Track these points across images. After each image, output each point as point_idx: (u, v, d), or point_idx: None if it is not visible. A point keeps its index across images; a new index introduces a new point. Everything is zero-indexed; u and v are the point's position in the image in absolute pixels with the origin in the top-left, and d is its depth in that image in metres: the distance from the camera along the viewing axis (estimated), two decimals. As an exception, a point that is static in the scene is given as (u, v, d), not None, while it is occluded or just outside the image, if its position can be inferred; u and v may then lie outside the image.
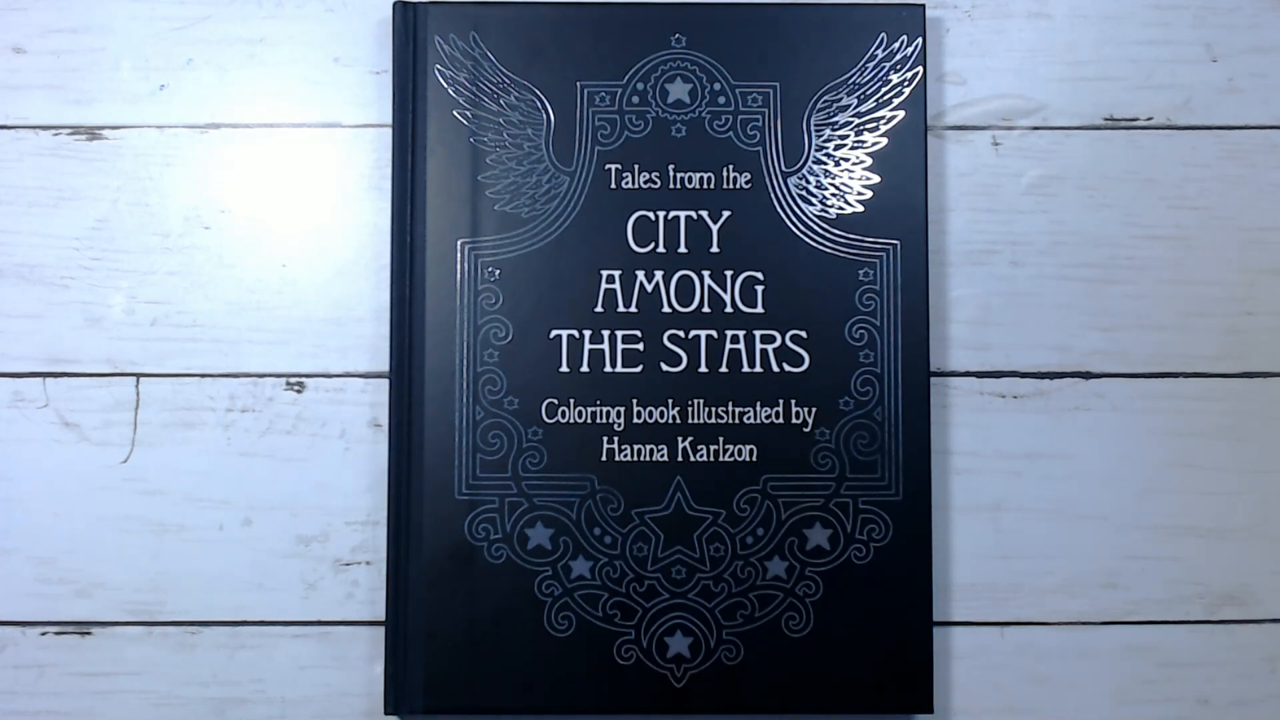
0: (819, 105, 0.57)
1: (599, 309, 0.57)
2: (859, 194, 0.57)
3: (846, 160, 0.57)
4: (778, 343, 0.56)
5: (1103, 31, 0.59)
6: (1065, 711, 0.57)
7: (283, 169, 0.59)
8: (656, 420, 0.56)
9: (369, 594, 0.57)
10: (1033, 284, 0.58)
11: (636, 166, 0.57)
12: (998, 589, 0.58)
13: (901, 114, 0.57)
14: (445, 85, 0.57)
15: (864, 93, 0.57)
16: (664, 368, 0.56)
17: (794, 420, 0.56)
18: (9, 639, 0.57)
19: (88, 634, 0.57)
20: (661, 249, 0.57)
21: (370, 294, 0.58)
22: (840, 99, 0.57)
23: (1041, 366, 0.58)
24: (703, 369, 0.56)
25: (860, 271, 0.57)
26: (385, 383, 0.58)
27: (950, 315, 0.58)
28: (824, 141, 0.57)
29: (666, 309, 0.57)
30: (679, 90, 0.57)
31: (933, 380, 0.58)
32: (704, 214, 0.57)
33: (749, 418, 0.56)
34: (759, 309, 0.57)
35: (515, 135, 0.57)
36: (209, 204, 0.58)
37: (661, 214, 0.57)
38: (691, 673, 0.55)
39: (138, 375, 0.58)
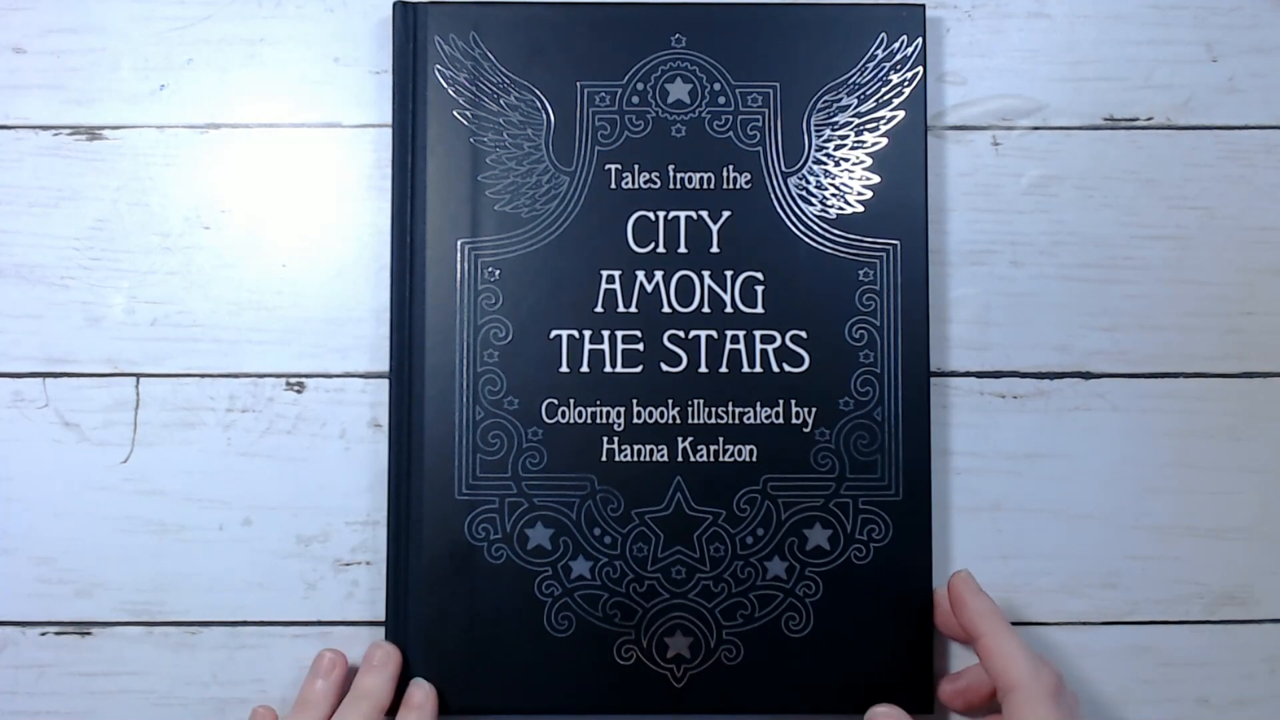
0: (819, 105, 0.57)
1: (599, 309, 0.57)
2: (859, 194, 0.57)
3: (846, 160, 0.57)
4: (778, 343, 0.56)
5: (1103, 31, 0.59)
6: (1065, 711, 0.57)
7: (283, 169, 0.59)
8: (656, 420, 0.56)
9: (369, 594, 0.57)
10: (1033, 284, 0.58)
11: (636, 166, 0.57)
12: (998, 589, 0.57)
13: (901, 114, 0.57)
14: (445, 85, 0.57)
15: (864, 93, 0.57)
16: (664, 368, 0.56)
17: (794, 420, 0.56)
18: (9, 639, 0.57)
19: (88, 634, 0.57)
20: (661, 249, 0.57)
21: (370, 294, 0.58)
22: (840, 99, 0.57)
23: (1041, 366, 0.58)
24: (703, 369, 0.56)
25: (860, 271, 0.57)
26: (385, 383, 0.58)
27: (950, 315, 0.58)
28: (824, 141, 0.57)
29: (666, 309, 0.57)
30: (679, 90, 0.57)
31: (933, 380, 0.58)
32: (704, 214, 0.57)
33: (749, 418, 0.56)
34: (759, 309, 0.57)
35: (515, 135, 0.57)
36: (209, 204, 0.58)
37: (661, 214, 0.57)
38: (691, 673, 0.56)
39: (138, 375, 0.58)
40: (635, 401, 0.56)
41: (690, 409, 0.56)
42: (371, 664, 0.54)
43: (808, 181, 0.57)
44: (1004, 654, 0.51)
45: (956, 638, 0.55)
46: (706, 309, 0.57)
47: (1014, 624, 0.57)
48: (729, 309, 0.57)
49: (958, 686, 0.55)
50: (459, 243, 0.56)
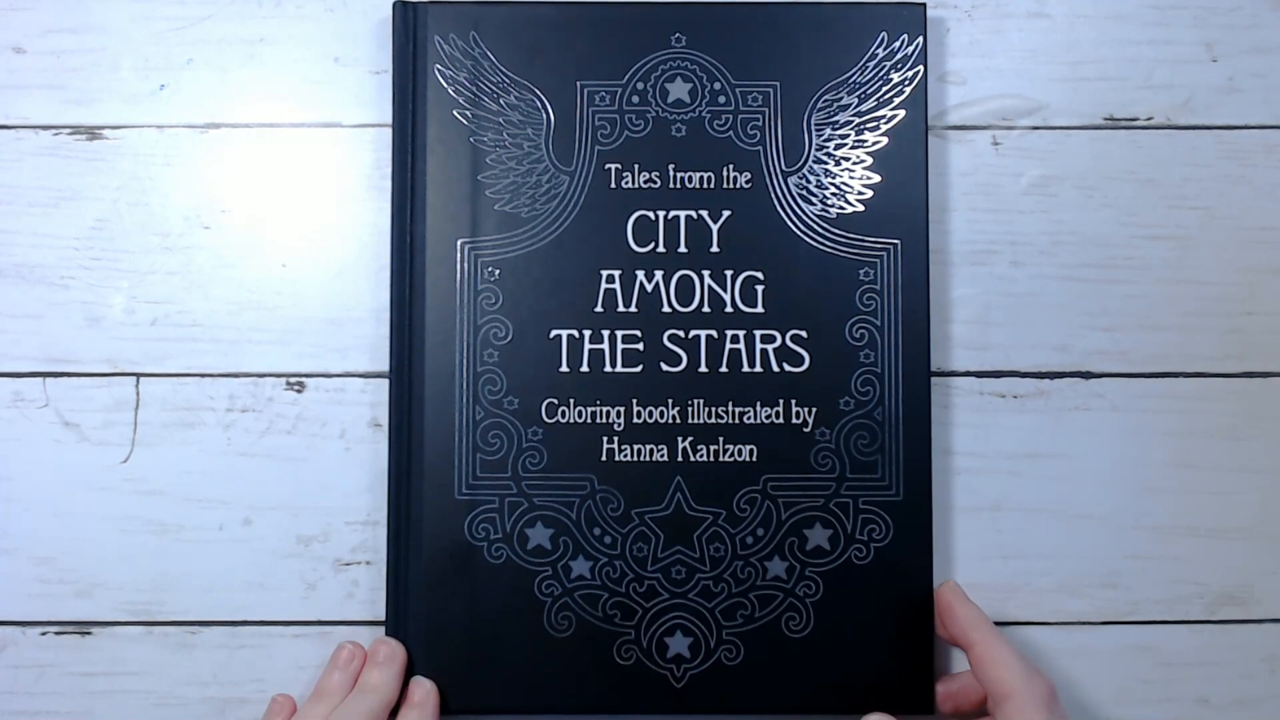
0: (819, 105, 0.57)
1: (599, 309, 0.56)
2: (859, 194, 0.57)
3: (847, 160, 0.57)
4: (778, 343, 0.56)
5: (1103, 31, 0.59)
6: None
7: (283, 169, 0.59)
8: (656, 420, 0.56)
9: (369, 594, 0.57)
10: (1033, 284, 0.58)
11: (636, 166, 0.57)
12: (998, 589, 0.58)
13: (902, 113, 0.57)
14: (445, 85, 0.57)
15: (864, 92, 0.57)
16: (664, 368, 0.56)
17: (794, 420, 0.56)
18: (9, 639, 0.57)
19: (88, 634, 0.57)
20: (661, 249, 0.57)
21: (370, 294, 0.58)
22: (841, 98, 0.57)
23: (1041, 366, 0.58)
24: (703, 369, 0.56)
25: (860, 271, 0.57)
26: (385, 383, 0.58)
27: (950, 315, 0.58)
28: (824, 141, 0.57)
29: (666, 309, 0.57)
30: (679, 90, 0.57)
31: (933, 380, 0.58)
32: (704, 214, 0.57)
33: (749, 418, 0.56)
34: (759, 309, 0.57)
35: (515, 135, 0.57)
36: (209, 204, 0.58)
37: (661, 214, 0.57)
38: (691, 673, 0.55)
39: (138, 375, 0.58)
40: (635, 401, 0.56)
41: (690, 409, 0.56)
42: (377, 660, 0.54)
43: (808, 181, 0.57)
44: (997, 662, 0.51)
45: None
46: (706, 309, 0.57)
47: (1014, 624, 0.57)
48: (729, 309, 0.57)
49: (950, 689, 0.55)
50: (459, 243, 0.56)
